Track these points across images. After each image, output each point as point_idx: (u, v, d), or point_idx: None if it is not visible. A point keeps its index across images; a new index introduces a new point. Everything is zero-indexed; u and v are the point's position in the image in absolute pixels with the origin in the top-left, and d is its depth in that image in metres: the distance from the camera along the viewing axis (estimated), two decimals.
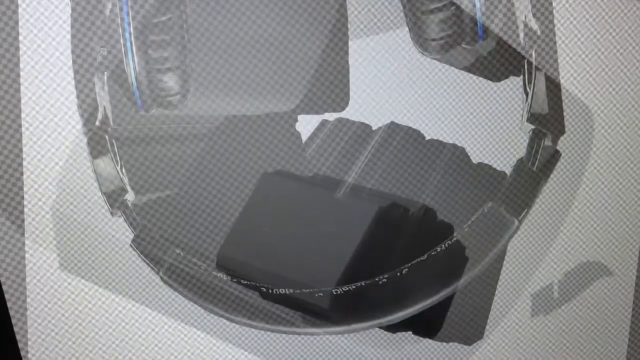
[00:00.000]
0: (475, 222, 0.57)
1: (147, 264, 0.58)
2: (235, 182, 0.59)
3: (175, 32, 0.51)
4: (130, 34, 0.50)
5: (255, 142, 0.60)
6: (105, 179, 0.56)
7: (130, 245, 0.58)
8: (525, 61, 0.57)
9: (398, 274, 0.57)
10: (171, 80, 0.51)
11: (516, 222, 0.58)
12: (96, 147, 0.56)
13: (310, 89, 0.58)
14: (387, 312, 0.58)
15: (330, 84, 0.59)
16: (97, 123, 0.55)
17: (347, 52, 0.59)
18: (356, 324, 0.58)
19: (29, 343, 0.60)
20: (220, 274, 0.58)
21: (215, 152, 0.59)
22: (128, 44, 0.50)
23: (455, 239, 0.57)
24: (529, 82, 0.57)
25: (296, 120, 0.61)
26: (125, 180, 0.57)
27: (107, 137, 0.55)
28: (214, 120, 0.59)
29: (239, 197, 0.60)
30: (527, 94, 0.58)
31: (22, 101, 0.55)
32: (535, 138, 0.59)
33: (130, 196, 0.57)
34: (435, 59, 0.59)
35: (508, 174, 0.60)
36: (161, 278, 0.58)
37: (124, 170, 0.56)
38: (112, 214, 0.57)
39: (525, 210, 0.58)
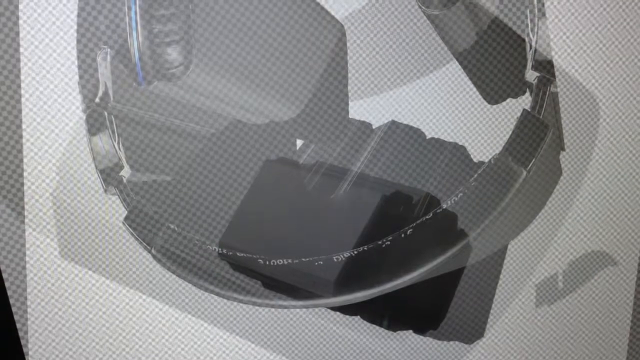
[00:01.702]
0: (482, 174, 0.55)
1: (139, 242, 0.57)
2: (232, 179, 0.59)
3: (181, 5, 0.50)
4: (136, 6, 0.50)
5: (255, 142, 0.60)
6: (101, 156, 0.56)
7: (123, 223, 0.57)
8: (528, 9, 0.56)
9: (402, 235, 0.56)
10: (174, 51, 0.51)
11: (524, 172, 0.56)
12: (94, 124, 0.55)
13: (309, 118, 0.58)
14: (391, 276, 0.56)
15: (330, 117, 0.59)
16: (97, 100, 0.55)
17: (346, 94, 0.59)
18: (358, 292, 0.57)
19: (29, 331, 0.61)
20: (215, 248, 0.58)
21: (214, 152, 0.59)
22: (133, 17, 0.50)
23: (462, 194, 0.56)
24: (532, 29, 0.56)
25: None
26: (122, 155, 0.56)
27: (105, 113, 0.55)
28: (215, 119, 0.58)
29: (233, 194, 0.60)
30: (530, 42, 0.56)
31: (22, 89, 0.55)
32: (540, 84, 0.57)
33: (125, 172, 0.57)
34: (436, 27, 0.57)
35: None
36: (153, 256, 0.57)
37: (121, 146, 0.56)
38: (105, 190, 0.57)
39: (534, 159, 0.56)
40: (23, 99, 0.56)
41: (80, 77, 0.55)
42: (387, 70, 0.60)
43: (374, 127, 0.62)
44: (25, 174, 0.57)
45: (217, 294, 0.58)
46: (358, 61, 0.60)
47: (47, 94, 0.56)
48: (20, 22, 0.54)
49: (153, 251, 0.57)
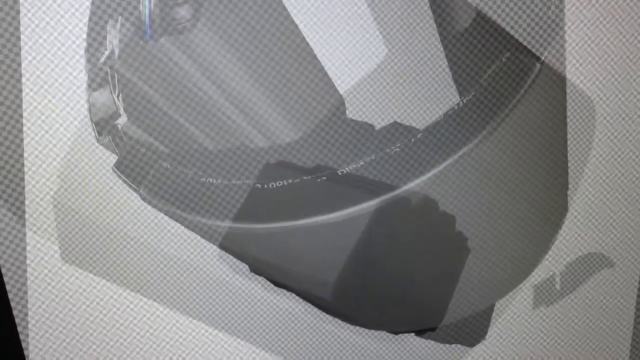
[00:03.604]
0: (495, 72, 0.55)
1: (128, 185, 0.57)
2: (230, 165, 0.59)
3: None
4: None
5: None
6: (98, 109, 0.56)
7: (112, 168, 0.58)
8: None
9: (412, 139, 0.56)
10: (183, 10, 0.54)
11: (538, 65, 0.56)
12: (95, 79, 0.56)
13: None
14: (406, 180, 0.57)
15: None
16: (103, 59, 0.55)
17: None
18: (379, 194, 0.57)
19: (29, 334, 0.61)
20: (210, 180, 0.58)
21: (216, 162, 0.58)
22: None
23: (473, 94, 0.55)
24: None
25: None
26: (120, 105, 0.56)
27: (109, 70, 0.55)
28: (210, 118, 0.58)
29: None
30: None
31: (24, 91, 0.55)
32: None
33: (121, 120, 0.57)
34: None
35: None
36: (141, 197, 0.58)
37: (120, 98, 0.56)
38: (98, 140, 0.57)
39: (546, 52, 0.56)
40: (24, 100, 0.55)
41: (88, 37, 0.55)
42: (389, 70, 0.60)
43: (376, 128, 0.62)
44: (26, 177, 0.57)
45: (206, 225, 0.58)
46: (361, 60, 0.59)
47: (49, 94, 0.56)
48: (22, 25, 0.53)
49: (141, 191, 0.57)
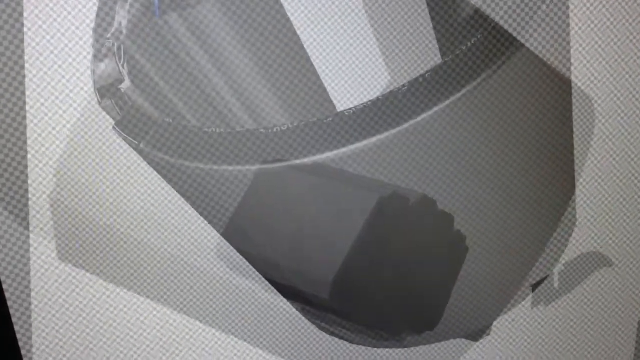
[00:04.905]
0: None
1: (127, 141, 0.57)
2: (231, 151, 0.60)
3: None
4: None
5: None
6: (102, 76, 0.56)
7: (113, 127, 0.57)
8: None
9: (420, 79, 0.56)
10: None
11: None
12: (100, 50, 0.56)
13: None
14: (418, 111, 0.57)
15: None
16: (109, 35, 0.55)
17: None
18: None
19: (34, 338, 0.61)
20: (214, 130, 0.57)
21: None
22: None
23: (475, 39, 0.56)
24: None
25: None
26: (125, 72, 0.56)
27: (115, 43, 0.56)
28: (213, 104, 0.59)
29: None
30: None
31: (27, 93, 0.55)
32: None
33: (125, 85, 0.57)
34: None
35: None
36: (140, 151, 0.57)
37: (125, 66, 0.56)
38: (100, 102, 0.56)
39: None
40: (27, 99, 0.56)
41: (97, 23, 0.56)
42: (389, 67, 0.60)
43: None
44: (30, 180, 0.57)
45: (208, 175, 0.58)
46: (359, 58, 0.60)
47: (53, 93, 0.56)
48: (26, 27, 0.54)
49: (141, 145, 0.57)
